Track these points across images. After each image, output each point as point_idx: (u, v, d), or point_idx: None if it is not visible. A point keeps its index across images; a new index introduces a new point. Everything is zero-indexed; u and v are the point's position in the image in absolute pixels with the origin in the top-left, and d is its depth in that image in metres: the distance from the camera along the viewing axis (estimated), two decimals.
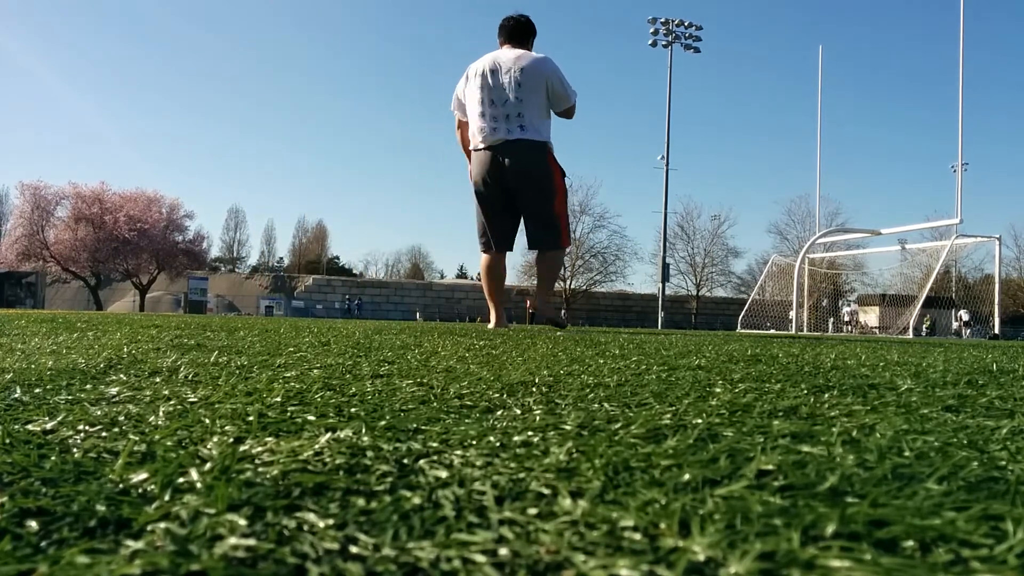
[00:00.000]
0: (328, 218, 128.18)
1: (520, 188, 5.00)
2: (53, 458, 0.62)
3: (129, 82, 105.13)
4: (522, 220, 5.20)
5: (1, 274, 34.71)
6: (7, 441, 0.69)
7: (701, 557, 0.40)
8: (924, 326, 26.41)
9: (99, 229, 36.23)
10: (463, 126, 5.23)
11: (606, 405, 1.01)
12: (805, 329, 22.66)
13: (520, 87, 4.88)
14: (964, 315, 27.38)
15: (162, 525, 0.45)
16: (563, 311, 39.33)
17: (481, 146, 5.00)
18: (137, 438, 0.71)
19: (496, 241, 5.19)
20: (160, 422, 0.82)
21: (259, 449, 0.67)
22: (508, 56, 4.99)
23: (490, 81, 4.94)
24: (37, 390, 1.09)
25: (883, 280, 36.91)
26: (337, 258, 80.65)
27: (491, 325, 5.31)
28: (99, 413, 0.87)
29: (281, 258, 78.74)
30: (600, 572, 0.38)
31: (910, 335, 18.34)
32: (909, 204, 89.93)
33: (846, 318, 28.34)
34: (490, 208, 5.13)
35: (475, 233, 5.28)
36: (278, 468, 0.59)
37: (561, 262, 5.44)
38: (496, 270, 5.30)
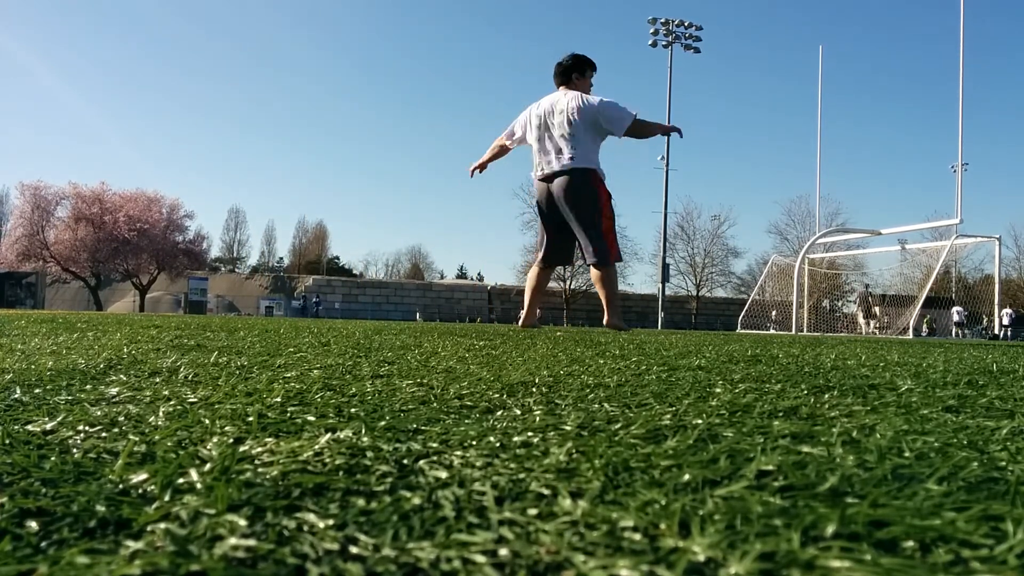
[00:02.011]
0: (328, 218, 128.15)
1: (569, 212, 5.76)
2: (53, 458, 0.62)
3: (129, 82, 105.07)
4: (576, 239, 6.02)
5: (1, 274, 34.71)
6: (7, 441, 0.69)
7: (701, 557, 0.40)
8: (924, 326, 26.27)
9: (99, 229, 36.25)
10: (503, 148, 6.17)
11: (606, 405, 1.01)
12: (806, 330, 22.64)
13: (571, 125, 5.67)
14: (956, 315, 27.03)
15: (162, 525, 0.45)
16: (563, 312, 39.36)
17: (538, 175, 5.81)
18: (137, 439, 0.71)
19: (548, 257, 5.98)
20: (160, 423, 0.82)
21: (259, 450, 0.67)
22: (563, 97, 5.77)
23: (546, 121, 5.77)
24: (37, 390, 1.09)
25: (883, 280, 36.87)
26: (337, 258, 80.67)
27: (519, 323, 6.07)
28: (99, 414, 0.87)
29: (281, 258, 78.78)
30: (600, 572, 0.38)
31: (910, 335, 18.33)
32: (909, 204, 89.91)
33: (873, 323, 27.78)
34: (545, 227, 5.93)
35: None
36: (278, 469, 0.59)
37: (614, 277, 6.01)
38: (536, 280, 6.06)
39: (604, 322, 6.05)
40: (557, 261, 6.08)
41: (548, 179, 5.78)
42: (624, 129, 5.79)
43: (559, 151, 5.73)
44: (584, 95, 5.78)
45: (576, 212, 5.71)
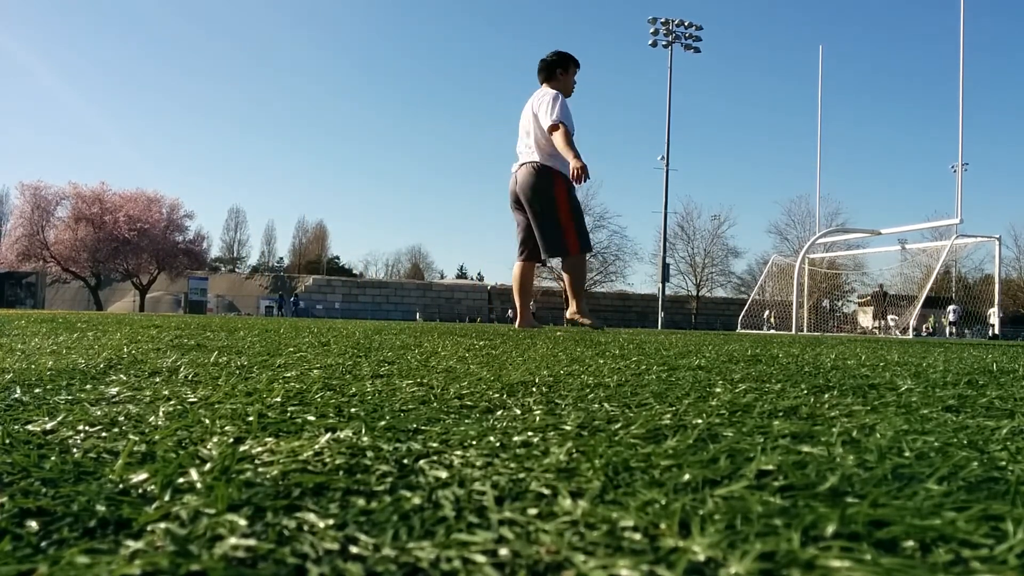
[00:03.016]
0: (328, 218, 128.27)
1: (528, 206, 5.79)
2: (53, 458, 0.62)
3: (129, 82, 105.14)
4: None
5: (1, 274, 34.69)
6: (7, 441, 0.69)
7: (701, 557, 0.40)
8: (924, 326, 26.16)
9: (99, 229, 36.26)
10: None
11: (606, 405, 1.01)
12: (806, 329, 22.63)
13: (534, 118, 5.76)
14: (951, 314, 26.69)
15: (162, 525, 0.45)
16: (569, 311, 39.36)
17: (513, 169, 5.94)
18: (137, 438, 0.71)
19: (520, 251, 5.96)
20: (160, 422, 0.82)
21: (259, 449, 0.67)
22: (538, 92, 5.91)
23: (523, 113, 5.89)
24: (37, 390, 1.09)
25: (883, 280, 36.84)
26: (337, 258, 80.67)
27: (517, 324, 5.96)
28: (99, 413, 0.87)
29: (281, 258, 78.79)
30: (600, 572, 0.38)
31: (910, 335, 18.33)
32: (909, 204, 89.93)
33: (885, 323, 27.23)
34: (518, 222, 5.95)
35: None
36: (278, 468, 0.59)
37: (578, 268, 5.96)
38: (519, 276, 6.01)
39: (567, 313, 5.98)
40: (535, 255, 5.95)
41: (515, 173, 5.86)
42: (543, 128, 5.71)
43: (524, 145, 5.82)
44: (551, 91, 5.75)
45: (534, 209, 5.76)
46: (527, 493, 0.53)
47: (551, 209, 5.73)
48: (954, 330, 25.74)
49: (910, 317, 20.50)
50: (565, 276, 6.01)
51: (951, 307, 27.36)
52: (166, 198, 40.23)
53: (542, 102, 5.71)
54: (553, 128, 5.62)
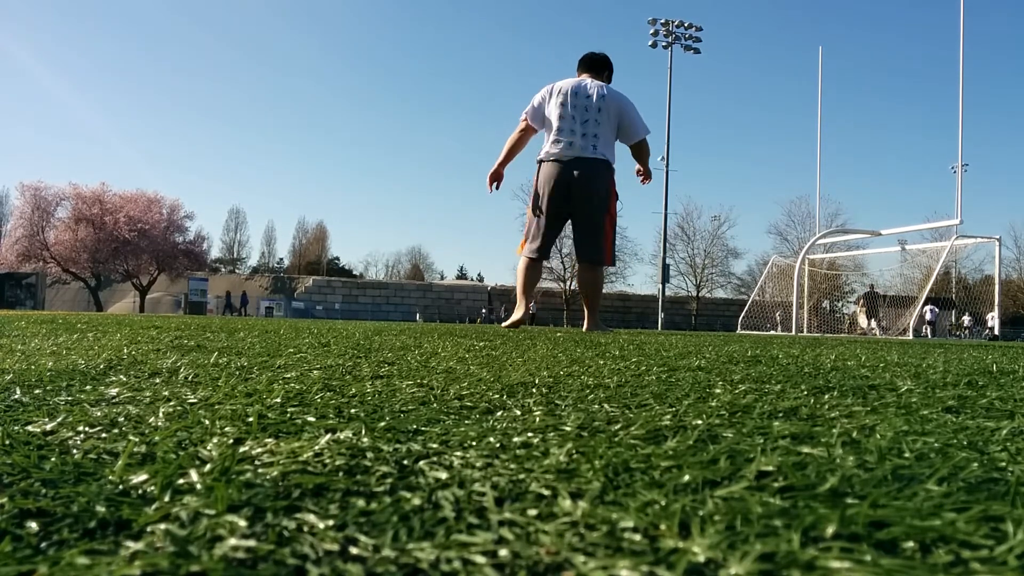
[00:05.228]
0: (328, 219, 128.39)
1: (582, 201, 5.41)
2: (53, 459, 0.62)
3: (129, 82, 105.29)
4: (572, 232, 5.64)
5: (1, 275, 34.68)
6: (7, 442, 0.69)
7: (701, 558, 0.40)
8: (924, 327, 25.98)
9: (99, 230, 36.26)
10: (527, 133, 5.60)
11: (606, 406, 1.01)
12: (806, 330, 22.62)
13: (599, 111, 5.39)
14: (928, 314, 26.27)
15: (162, 526, 0.45)
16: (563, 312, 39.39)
17: (554, 158, 5.41)
18: (137, 439, 0.71)
19: (545, 248, 5.56)
20: (160, 423, 0.82)
21: (259, 450, 0.67)
22: (590, 82, 5.51)
23: (572, 101, 5.40)
24: (37, 391, 1.09)
25: (883, 281, 36.79)
26: (337, 259, 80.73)
27: (514, 317, 5.52)
28: (99, 414, 0.87)
29: (281, 259, 78.83)
30: (600, 573, 0.38)
31: (910, 336, 18.32)
32: (909, 204, 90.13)
33: (875, 323, 26.76)
34: (550, 217, 5.47)
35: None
36: (278, 469, 0.59)
37: (601, 280, 5.79)
38: (534, 275, 5.66)
39: (585, 328, 5.62)
40: (547, 255, 5.65)
41: (569, 163, 5.37)
42: (634, 139, 5.58)
43: (584, 135, 5.36)
44: (609, 85, 5.53)
45: (590, 206, 5.41)
46: (527, 494, 0.53)
47: (603, 212, 5.47)
48: (931, 330, 25.54)
49: (909, 318, 20.48)
50: (588, 286, 5.65)
51: (927, 307, 26.97)
52: (166, 199, 40.24)
53: (627, 104, 5.45)
54: (644, 139, 5.57)
